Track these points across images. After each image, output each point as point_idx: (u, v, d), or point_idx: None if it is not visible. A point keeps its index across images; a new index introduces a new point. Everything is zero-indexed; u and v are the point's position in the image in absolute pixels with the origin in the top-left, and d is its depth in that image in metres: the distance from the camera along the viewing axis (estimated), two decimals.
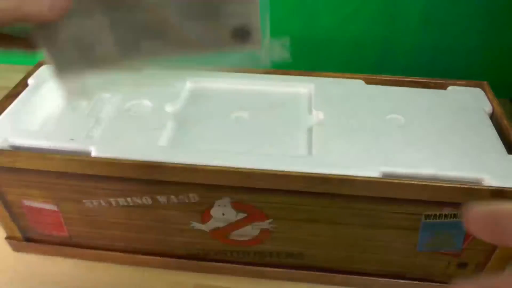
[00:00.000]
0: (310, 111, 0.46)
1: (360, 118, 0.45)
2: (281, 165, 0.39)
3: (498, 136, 0.43)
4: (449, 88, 0.50)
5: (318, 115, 0.45)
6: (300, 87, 0.50)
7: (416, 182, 0.37)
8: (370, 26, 0.70)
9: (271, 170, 0.38)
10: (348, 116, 0.45)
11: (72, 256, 0.51)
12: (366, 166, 0.39)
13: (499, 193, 0.37)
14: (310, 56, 0.76)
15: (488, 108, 0.46)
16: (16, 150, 0.41)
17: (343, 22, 0.70)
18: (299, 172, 0.38)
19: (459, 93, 0.48)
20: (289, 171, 0.38)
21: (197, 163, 0.39)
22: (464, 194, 0.37)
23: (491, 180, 0.38)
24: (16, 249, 0.51)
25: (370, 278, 0.47)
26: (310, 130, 0.44)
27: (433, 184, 0.37)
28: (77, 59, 0.25)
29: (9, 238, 0.51)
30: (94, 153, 0.40)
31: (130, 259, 0.49)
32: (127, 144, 0.41)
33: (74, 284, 0.48)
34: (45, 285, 0.48)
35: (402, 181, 0.37)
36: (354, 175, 0.38)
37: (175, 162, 0.39)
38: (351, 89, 0.49)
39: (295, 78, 0.51)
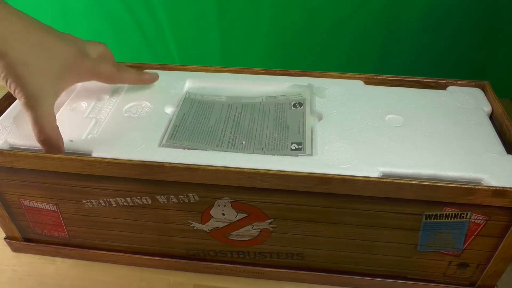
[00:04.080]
0: (310, 112, 0.46)
1: (359, 118, 0.45)
2: (282, 165, 0.39)
3: (497, 136, 0.43)
4: (449, 88, 0.50)
5: (318, 116, 0.45)
6: (300, 87, 0.50)
7: (416, 182, 0.37)
8: (370, 26, 0.70)
9: (272, 170, 0.38)
10: (348, 117, 0.45)
11: (72, 257, 0.51)
12: (366, 166, 0.39)
13: (500, 193, 0.37)
14: (310, 56, 0.76)
15: (487, 108, 0.46)
16: (15, 150, 0.41)
17: (343, 22, 0.70)
18: (300, 172, 0.38)
19: (458, 93, 0.48)
20: (290, 171, 0.38)
21: (197, 163, 0.39)
22: (465, 194, 0.37)
23: (490, 180, 0.38)
24: (15, 249, 0.51)
25: (370, 278, 0.47)
26: (310, 131, 0.44)
27: (434, 184, 0.37)
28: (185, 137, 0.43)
29: (8, 238, 0.50)
30: (94, 155, 0.40)
31: (130, 259, 0.49)
32: (127, 146, 0.41)
33: (74, 284, 0.48)
34: (45, 286, 0.48)
35: (403, 181, 0.37)
36: (354, 175, 0.38)
37: (175, 162, 0.39)
38: (350, 90, 0.49)
39: (295, 79, 0.51)
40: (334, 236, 0.43)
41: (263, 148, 0.42)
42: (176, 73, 0.52)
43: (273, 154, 0.41)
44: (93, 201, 0.44)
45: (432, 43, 0.71)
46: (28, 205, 0.46)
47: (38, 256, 0.51)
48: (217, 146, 0.42)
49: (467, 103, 0.47)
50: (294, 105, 0.47)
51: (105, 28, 0.77)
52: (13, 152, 0.40)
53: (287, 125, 0.45)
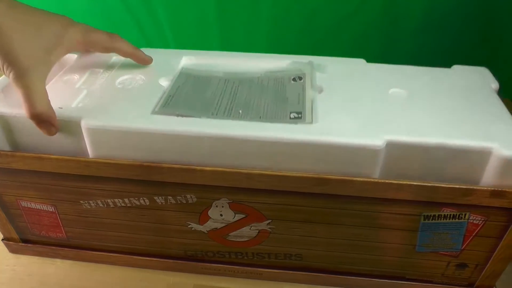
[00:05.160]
0: (311, 86, 0.44)
1: (362, 92, 0.43)
2: (281, 133, 0.37)
3: (506, 109, 0.41)
4: (454, 67, 0.48)
5: (319, 89, 0.43)
6: (300, 64, 0.48)
7: (414, 183, 0.37)
8: (370, 26, 0.70)
9: (269, 171, 0.38)
10: (350, 90, 0.43)
11: (70, 258, 0.50)
12: (370, 134, 0.37)
13: (498, 194, 0.37)
14: (310, 55, 0.76)
15: (494, 85, 0.45)
16: (5, 118, 0.40)
17: (343, 22, 0.70)
18: (297, 173, 0.38)
19: (464, 71, 0.47)
20: (286, 173, 0.38)
21: (192, 131, 0.37)
22: (463, 195, 0.37)
23: (500, 149, 0.36)
24: (13, 250, 0.51)
25: (368, 279, 0.47)
26: (310, 102, 0.42)
27: (432, 184, 0.37)
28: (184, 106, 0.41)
29: (6, 239, 0.50)
30: (83, 122, 0.38)
31: (128, 260, 0.49)
32: (118, 113, 0.39)
33: (74, 285, 0.48)
34: (45, 286, 0.48)
35: (401, 182, 0.37)
36: (358, 143, 0.36)
37: (167, 130, 0.37)
38: (352, 66, 0.47)
39: (294, 57, 0.49)
40: (332, 237, 0.43)
41: (260, 117, 0.40)
42: (172, 51, 0.50)
43: (272, 122, 0.39)
44: (90, 202, 0.44)
45: (432, 43, 0.70)
46: (26, 206, 0.46)
47: (36, 258, 0.51)
48: (212, 114, 0.40)
49: (473, 80, 0.45)
50: (294, 79, 0.45)
51: (105, 28, 0.77)
52: (11, 153, 0.40)
53: (286, 97, 0.43)
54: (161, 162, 0.39)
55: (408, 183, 0.37)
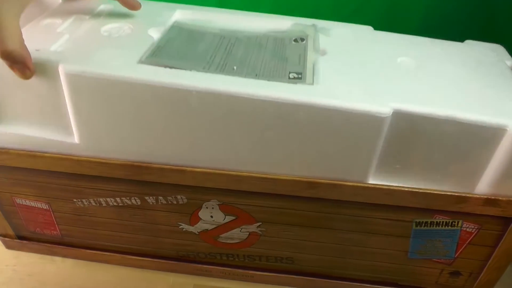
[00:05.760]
0: (313, 48, 0.42)
1: (368, 57, 0.40)
2: (279, 91, 0.34)
3: None
4: (467, 41, 0.45)
5: (322, 52, 0.41)
6: (303, 26, 0.45)
7: (406, 189, 0.36)
8: (372, 24, 0.70)
9: (260, 174, 0.38)
10: (355, 55, 0.40)
11: (65, 255, 0.51)
12: (375, 100, 0.34)
13: (491, 202, 0.36)
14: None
15: (510, 62, 0.42)
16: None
17: (346, 19, 0.70)
18: (288, 176, 0.37)
19: (477, 46, 0.44)
20: (276, 175, 0.37)
21: (180, 84, 0.34)
22: (456, 202, 0.36)
23: None
24: (9, 246, 0.52)
25: (361, 284, 0.46)
26: (312, 64, 0.39)
27: (424, 191, 0.36)
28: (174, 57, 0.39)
29: (1, 236, 0.51)
30: (61, 66, 0.35)
31: (120, 259, 0.49)
32: (101, 60, 0.36)
33: (75, 285, 0.48)
34: (45, 286, 0.48)
35: (392, 188, 0.36)
36: (363, 109, 0.33)
37: (154, 81, 0.34)
38: (358, 32, 0.44)
39: (296, 19, 0.46)
40: (323, 241, 0.43)
41: (256, 74, 0.37)
42: (165, 4, 0.48)
43: (269, 80, 0.36)
44: (83, 200, 0.44)
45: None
46: (21, 203, 0.46)
47: (38, 256, 0.51)
48: (203, 69, 0.38)
49: (487, 56, 0.42)
50: (295, 40, 0.43)
51: None
52: (5, 151, 0.41)
53: (285, 57, 0.40)
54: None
55: (400, 188, 0.36)
